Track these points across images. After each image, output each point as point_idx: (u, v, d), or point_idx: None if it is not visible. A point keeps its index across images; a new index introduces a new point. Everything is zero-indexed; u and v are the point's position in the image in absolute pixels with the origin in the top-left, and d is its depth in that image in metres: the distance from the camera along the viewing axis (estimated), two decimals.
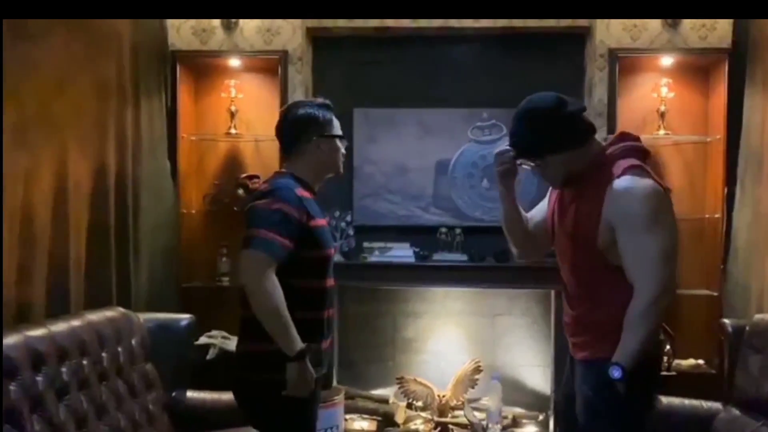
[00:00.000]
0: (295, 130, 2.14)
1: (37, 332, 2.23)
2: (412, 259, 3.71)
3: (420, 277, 3.74)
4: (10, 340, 2.08)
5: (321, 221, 2.11)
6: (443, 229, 3.75)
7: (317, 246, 2.07)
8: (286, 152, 2.19)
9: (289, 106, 2.23)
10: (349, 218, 3.77)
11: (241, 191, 3.83)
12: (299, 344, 1.96)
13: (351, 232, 3.77)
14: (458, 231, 3.73)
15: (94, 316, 2.62)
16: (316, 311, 2.09)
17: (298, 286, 2.02)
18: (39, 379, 2.13)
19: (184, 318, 3.08)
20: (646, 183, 1.85)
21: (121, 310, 2.85)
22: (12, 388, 2.00)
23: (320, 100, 2.22)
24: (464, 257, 3.71)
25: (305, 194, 2.07)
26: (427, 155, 3.84)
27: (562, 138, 1.92)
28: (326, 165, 2.18)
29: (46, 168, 2.59)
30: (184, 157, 3.85)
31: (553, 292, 3.70)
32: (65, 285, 2.72)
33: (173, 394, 2.92)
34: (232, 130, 3.87)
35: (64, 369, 2.27)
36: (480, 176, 3.82)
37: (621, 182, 1.85)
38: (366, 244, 3.75)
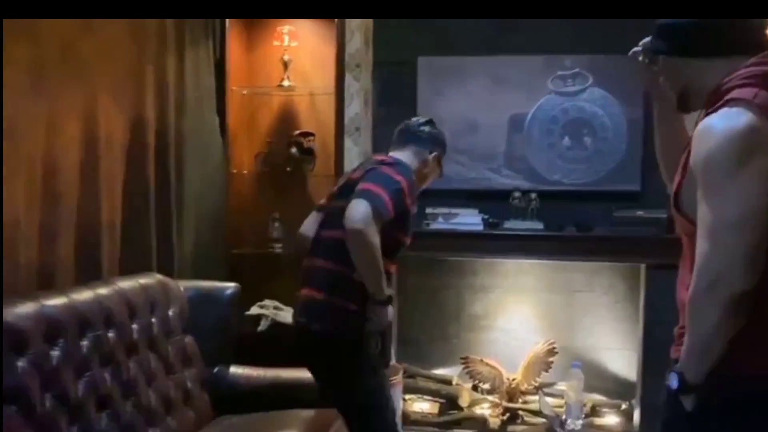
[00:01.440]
0: (427, 137, 2.28)
1: (56, 301, 1.98)
2: (480, 227, 3.37)
3: (489, 247, 3.38)
4: (22, 309, 1.84)
5: (413, 208, 2.17)
6: (517, 194, 3.35)
7: (403, 230, 2.14)
8: (404, 143, 2.28)
9: (429, 120, 2.36)
10: None
11: (294, 150, 3.54)
12: (388, 290, 2.04)
13: None
14: (534, 196, 3.34)
15: (126, 284, 2.36)
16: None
17: None
18: (54, 353, 1.88)
19: (229, 286, 2.79)
20: (738, 121, 1.29)
21: (158, 277, 2.58)
22: (20, 363, 1.74)
23: None
24: (540, 225, 3.34)
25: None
26: (499, 110, 3.44)
27: (693, 33, 1.45)
28: (420, 180, 2.25)
29: (71, 116, 2.32)
30: (234, 112, 3.56)
31: (643, 267, 3.26)
32: (96, 249, 2.48)
33: (215, 370, 2.65)
34: (285, 83, 3.55)
35: (84, 342, 2.01)
36: (560, 133, 3.40)
37: (708, 119, 1.35)
38: (429, 210, 3.41)
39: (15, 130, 2.02)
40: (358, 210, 1.93)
